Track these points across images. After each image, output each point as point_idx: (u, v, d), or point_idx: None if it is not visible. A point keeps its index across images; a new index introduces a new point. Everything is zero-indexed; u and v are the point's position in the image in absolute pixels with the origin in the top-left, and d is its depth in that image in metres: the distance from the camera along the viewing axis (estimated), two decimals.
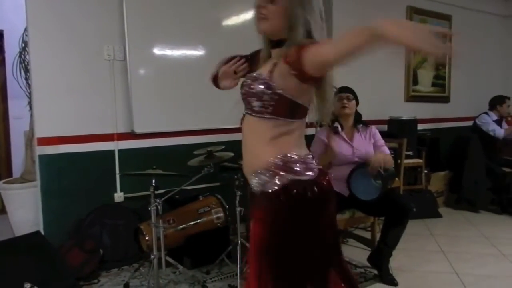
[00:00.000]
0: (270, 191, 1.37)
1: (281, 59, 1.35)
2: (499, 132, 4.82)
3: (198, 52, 3.66)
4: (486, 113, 5.00)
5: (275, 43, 1.46)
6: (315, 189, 1.36)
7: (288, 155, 1.39)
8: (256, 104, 1.42)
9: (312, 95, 1.42)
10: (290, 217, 1.36)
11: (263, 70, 1.43)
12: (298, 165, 1.38)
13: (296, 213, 1.36)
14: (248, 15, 3.89)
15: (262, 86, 1.39)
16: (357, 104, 3.03)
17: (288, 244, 1.36)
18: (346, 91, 2.97)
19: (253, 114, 1.45)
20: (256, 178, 1.42)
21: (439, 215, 4.44)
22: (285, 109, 1.38)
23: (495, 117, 4.93)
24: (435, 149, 4.99)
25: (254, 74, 1.45)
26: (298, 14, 1.36)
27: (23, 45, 3.63)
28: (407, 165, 4.21)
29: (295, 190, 1.34)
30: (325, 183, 1.42)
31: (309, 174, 1.39)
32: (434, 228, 4.04)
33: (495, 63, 6.27)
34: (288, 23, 1.38)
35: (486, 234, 3.86)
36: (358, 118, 3.04)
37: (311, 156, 1.46)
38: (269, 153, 1.39)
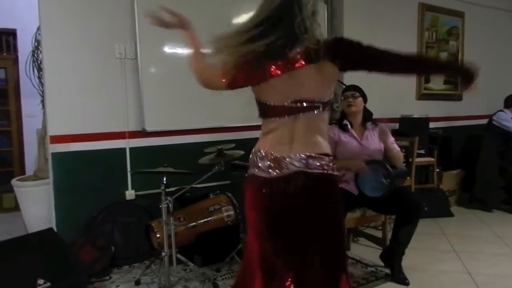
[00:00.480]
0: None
1: None
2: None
3: (209, 51, 3.65)
4: (502, 110, 4.92)
5: None
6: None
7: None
8: None
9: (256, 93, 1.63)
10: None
11: None
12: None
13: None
14: None
15: None
16: (365, 101, 3.00)
17: None
18: (351, 89, 2.95)
19: None
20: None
21: (451, 214, 4.39)
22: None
23: (511, 115, 4.85)
24: (447, 148, 4.94)
25: None
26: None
27: (36, 44, 3.67)
28: (418, 164, 4.17)
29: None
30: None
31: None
32: (446, 228, 4.00)
33: (508, 60, 6.18)
34: None
35: (499, 233, 3.81)
36: (367, 115, 3.01)
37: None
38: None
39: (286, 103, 1.50)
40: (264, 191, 1.52)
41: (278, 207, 1.51)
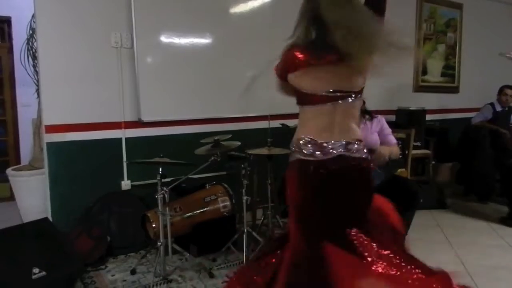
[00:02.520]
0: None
1: None
2: (474, 119, 4.74)
3: (206, 40, 3.64)
4: (491, 103, 4.90)
5: None
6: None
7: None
8: None
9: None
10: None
11: None
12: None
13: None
14: (256, 2, 3.85)
15: None
16: None
17: None
18: None
19: None
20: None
21: (446, 206, 4.42)
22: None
23: (499, 108, 4.80)
24: (443, 140, 4.95)
25: None
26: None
27: (31, 32, 3.63)
28: (414, 156, 4.18)
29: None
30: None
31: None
32: (441, 219, 4.03)
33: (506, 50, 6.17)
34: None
35: (493, 225, 3.84)
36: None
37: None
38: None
39: (325, 92, 1.62)
40: (312, 172, 1.63)
41: (324, 187, 1.63)
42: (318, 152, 1.63)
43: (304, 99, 1.68)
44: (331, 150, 1.63)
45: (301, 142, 1.67)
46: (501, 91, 4.80)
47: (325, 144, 1.63)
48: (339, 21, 1.51)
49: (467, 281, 2.70)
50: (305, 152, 1.65)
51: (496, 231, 3.68)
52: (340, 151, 1.63)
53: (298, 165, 1.68)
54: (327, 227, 1.63)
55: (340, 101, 1.62)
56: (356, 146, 1.66)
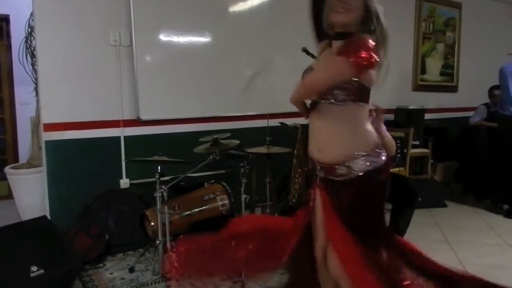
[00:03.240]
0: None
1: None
2: (472, 119, 4.75)
3: (205, 39, 3.63)
4: (485, 103, 4.91)
5: (339, 35, 1.57)
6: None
7: None
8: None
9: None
10: None
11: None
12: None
13: None
14: (255, 1, 3.85)
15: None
16: None
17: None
18: None
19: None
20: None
21: (444, 205, 4.42)
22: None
23: (493, 108, 4.79)
24: (442, 139, 4.95)
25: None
26: (375, 10, 1.53)
27: (29, 30, 3.62)
28: (413, 155, 4.18)
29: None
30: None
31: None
32: (440, 218, 4.03)
33: (504, 52, 6.17)
34: (363, 18, 1.52)
35: (492, 224, 3.84)
36: None
37: None
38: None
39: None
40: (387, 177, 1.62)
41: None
42: (385, 156, 1.61)
43: (365, 95, 1.58)
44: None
45: (378, 144, 1.60)
46: (490, 92, 4.84)
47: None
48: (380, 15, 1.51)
49: None
50: (382, 155, 1.59)
51: (494, 230, 3.68)
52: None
53: (387, 167, 1.62)
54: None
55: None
56: None
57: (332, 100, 1.53)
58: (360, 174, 1.53)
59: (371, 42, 1.44)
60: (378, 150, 1.58)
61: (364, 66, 1.43)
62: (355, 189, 1.55)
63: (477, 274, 2.74)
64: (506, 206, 4.09)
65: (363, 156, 1.54)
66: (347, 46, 1.47)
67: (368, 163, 1.54)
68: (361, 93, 1.55)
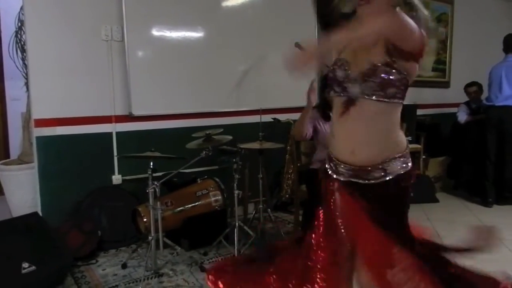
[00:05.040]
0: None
1: None
2: (461, 118, 4.80)
3: (197, 34, 3.61)
4: (465, 102, 4.96)
5: None
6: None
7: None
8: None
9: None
10: None
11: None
12: None
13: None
14: None
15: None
16: None
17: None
18: None
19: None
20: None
21: (436, 200, 4.46)
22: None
23: (473, 105, 4.84)
24: (434, 135, 4.98)
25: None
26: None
27: (19, 24, 3.57)
28: None
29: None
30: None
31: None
32: (431, 213, 4.06)
33: (496, 48, 6.21)
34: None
35: (483, 219, 3.88)
36: None
37: None
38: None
39: None
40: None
41: None
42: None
43: (406, 89, 1.47)
44: None
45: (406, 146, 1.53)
46: (465, 90, 4.91)
47: None
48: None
49: None
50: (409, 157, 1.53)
51: (486, 225, 3.72)
52: None
53: (413, 171, 1.53)
54: None
55: None
56: None
57: (380, 97, 1.40)
58: (392, 177, 1.46)
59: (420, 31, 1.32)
60: (408, 153, 1.52)
61: (419, 38, 1.31)
62: (387, 192, 1.47)
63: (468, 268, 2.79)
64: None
65: (398, 158, 1.48)
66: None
67: (401, 166, 1.48)
68: (406, 90, 1.46)
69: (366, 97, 1.41)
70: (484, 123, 4.45)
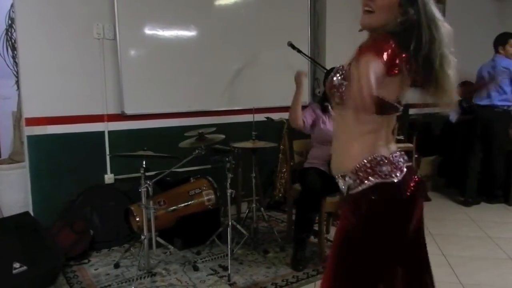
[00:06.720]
0: (354, 193, 1.33)
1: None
2: (452, 118, 4.85)
3: (190, 32, 3.60)
4: (458, 101, 5.00)
5: None
6: (400, 192, 1.34)
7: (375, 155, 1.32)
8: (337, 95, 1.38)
9: (397, 87, 1.34)
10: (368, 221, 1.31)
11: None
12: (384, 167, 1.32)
13: (374, 217, 1.32)
14: None
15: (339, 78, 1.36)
16: None
17: (359, 246, 1.31)
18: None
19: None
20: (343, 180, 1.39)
21: (428, 199, 4.49)
22: None
23: (465, 104, 4.89)
24: (426, 134, 5.02)
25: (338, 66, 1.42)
26: (408, 11, 1.28)
27: (10, 22, 3.54)
28: None
29: (375, 196, 1.29)
30: (412, 185, 1.37)
31: (397, 176, 1.33)
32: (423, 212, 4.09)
33: (489, 47, 6.26)
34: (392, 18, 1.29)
35: (474, 217, 3.92)
36: None
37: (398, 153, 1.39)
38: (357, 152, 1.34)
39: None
40: None
41: None
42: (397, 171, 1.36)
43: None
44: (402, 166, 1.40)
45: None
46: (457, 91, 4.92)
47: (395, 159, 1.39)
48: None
49: (448, 271, 2.77)
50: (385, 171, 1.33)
51: (476, 223, 3.75)
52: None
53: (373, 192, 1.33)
54: None
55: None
56: None
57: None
58: (366, 187, 1.30)
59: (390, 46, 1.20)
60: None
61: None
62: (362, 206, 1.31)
63: (459, 266, 2.82)
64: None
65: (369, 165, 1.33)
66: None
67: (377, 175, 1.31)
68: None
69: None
70: (471, 122, 4.51)
